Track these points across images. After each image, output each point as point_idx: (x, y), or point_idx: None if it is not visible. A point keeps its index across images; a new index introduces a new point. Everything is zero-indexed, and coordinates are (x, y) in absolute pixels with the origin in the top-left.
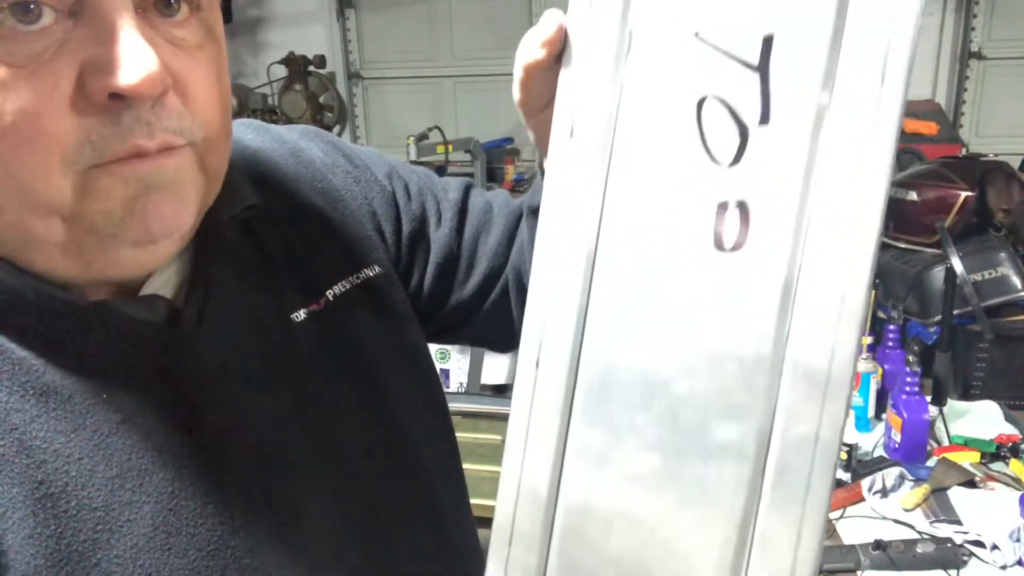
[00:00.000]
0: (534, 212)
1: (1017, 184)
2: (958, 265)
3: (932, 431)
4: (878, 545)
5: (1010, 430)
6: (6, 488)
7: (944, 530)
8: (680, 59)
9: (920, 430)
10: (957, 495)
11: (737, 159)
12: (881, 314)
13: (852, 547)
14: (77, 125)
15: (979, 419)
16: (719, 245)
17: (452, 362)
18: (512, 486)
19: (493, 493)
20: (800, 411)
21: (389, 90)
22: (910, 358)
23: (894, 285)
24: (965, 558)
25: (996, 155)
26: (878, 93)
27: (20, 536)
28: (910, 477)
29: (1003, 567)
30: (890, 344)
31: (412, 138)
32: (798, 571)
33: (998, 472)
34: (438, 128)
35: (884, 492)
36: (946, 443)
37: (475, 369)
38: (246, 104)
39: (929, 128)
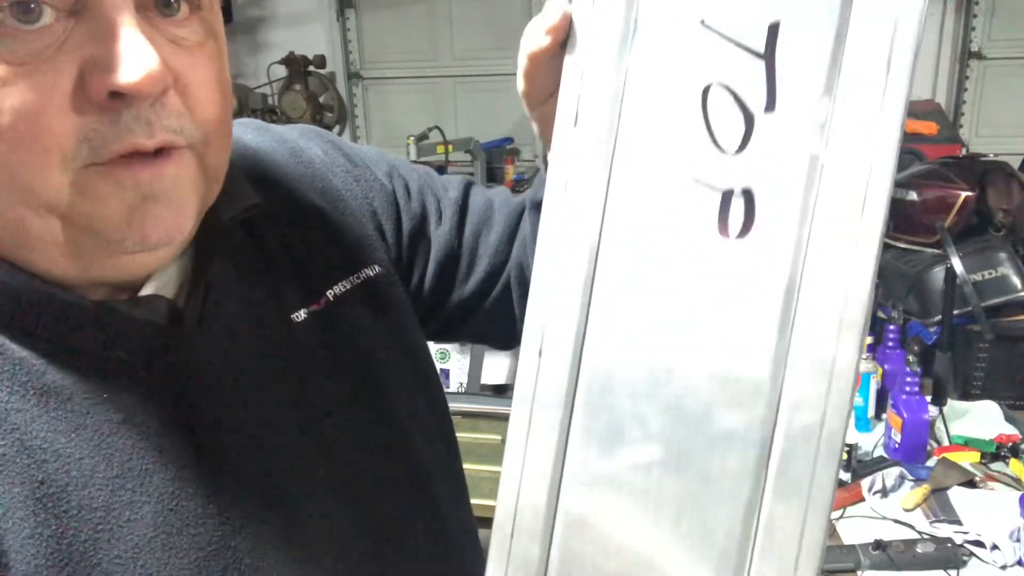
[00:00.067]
0: (537, 207)
1: (1017, 184)
2: (958, 265)
3: (932, 431)
4: (878, 545)
5: (1010, 430)
6: (7, 488)
7: (944, 530)
8: (685, 46)
9: (920, 430)
10: (957, 495)
11: (742, 147)
12: (881, 314)
13: (852, 547)
14: (76, 124)
15: (979, 419)
16: (724, 233)
17: (452, 362)
18: (514, 478)
19: (493, 493)
20: (805, 399)
21: (389, 90)
22: (910, 358)
23: (894, 285)
24: (965, 558)
25: (996, 155)
26: (884, 79)
27: (21, 536)
28: (910, 477)
29: (1003, 567)
30: (890, 344)
31: (412, 138)
32: (803, 560)
33: (998, 472)
34: (438, 128)
35: (884, 492)
36: (946, 443)
37: (475, 369)
38: (246, 104)
39: (929, 128)
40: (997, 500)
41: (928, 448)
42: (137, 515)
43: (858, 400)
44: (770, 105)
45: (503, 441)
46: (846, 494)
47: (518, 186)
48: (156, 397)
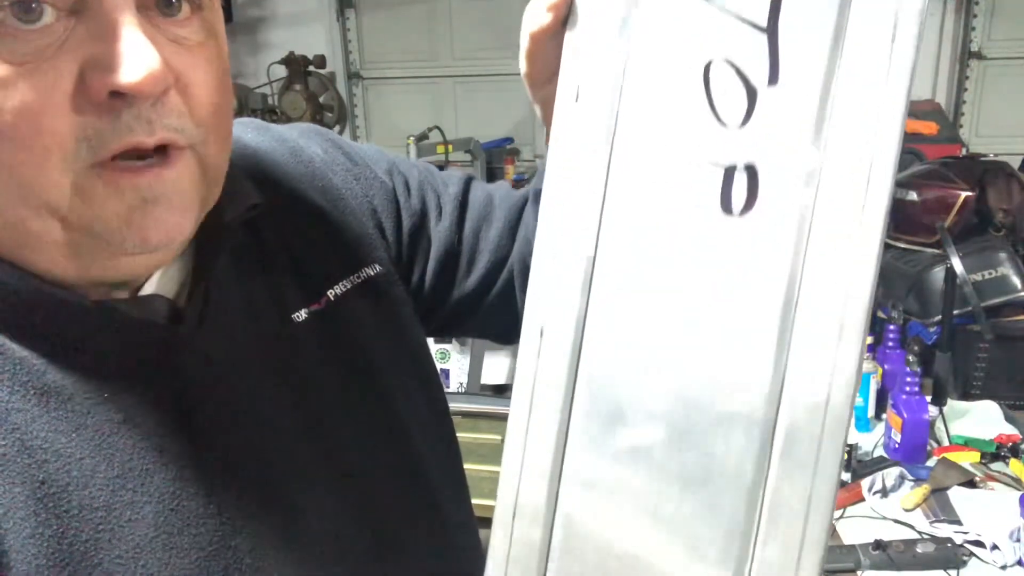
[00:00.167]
0: (538, 197)
1: (1017, 184)
2: (958, 265)
3: (932, 431)
4: (878, 545)
5: (1010, 430)
6: (7, 488)
7: (944, 530)
8: (687, 21)
9: (920, 430)
10: (957, 495)
11: (745, 121)
12: (881, 314)
13: (852, 547)
14: (76, 123)
15: (979, 419)
16: (727, 209)
17: (452, 362)
18: (515, 464)
19: (493, 493)
20: (810, 376)
21: (389, 90)
22: (910, 358)
23: (894, 285)
24: (965, 558)
25: (996, 155)
26: (889, 50)
27: (22, 536)
28: (910, 477)
29: (1003, 567)
30: (890, 344)
31: (412, 138)
32: (808, 541)
33: (998, 472)
34: (438, 128)
35: (884, 492)
36: (946, 443)
37: (475, 369)
38: (246, 104)
39: (929, 128)
40: (997, 500)
41: (928, 448)
42: (138, 515)
43: (858, 400)
44: (773, 78)
45: (503, 441)
46: (846, 494)
47: (518, 186)
48: (157, 397)
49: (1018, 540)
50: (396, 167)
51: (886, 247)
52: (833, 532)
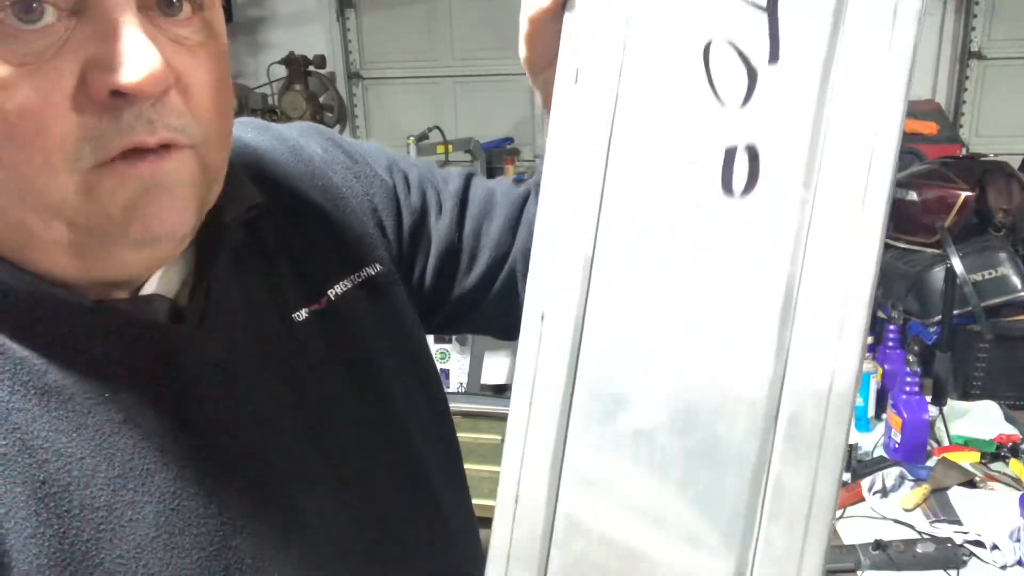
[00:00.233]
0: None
1: (1017, 184)
2: (958, 265)
3: (932, 431)
4: (878, 545)
5: (1010, 430)
6: (8, 488)
7: (944, 530)
8: (686, 1)
9: (920, 430)
10: (957, 495)
11: (746, 101)
12: (881, 314)
13: (852, 547)
14: (78, 123)
15: (979, 419)
16: (728, 190)
17: (452, 362)
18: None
19: (493, 493)
20: (813, 359)
21: (389, 90)
22: (910, 358)
23: (894, 285)
24: (965, 558)
25: (996, 155)
26: (890, 26)
27: (23, 536)
28: (910, 477)
29: (1003, 567)
30: (890, 344)
31: (412, 138)
32: (813, 522)
33: (998, 472)
34: (438, 128)
35: (884, 492)
36: (946, 443)
37: (475, 369)
38: (246, 104)
39: (929, 128)
40: (997, 500)
41: (928, 448)
42: (139, 515)
43: (858, 400)
44: (774, 57)
45: (503, 441)
46: (846, 494)
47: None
48: (157, 397)
49: (1018, 540)
50: (396, 164)
51: (886, 247)
52: (833, 532)
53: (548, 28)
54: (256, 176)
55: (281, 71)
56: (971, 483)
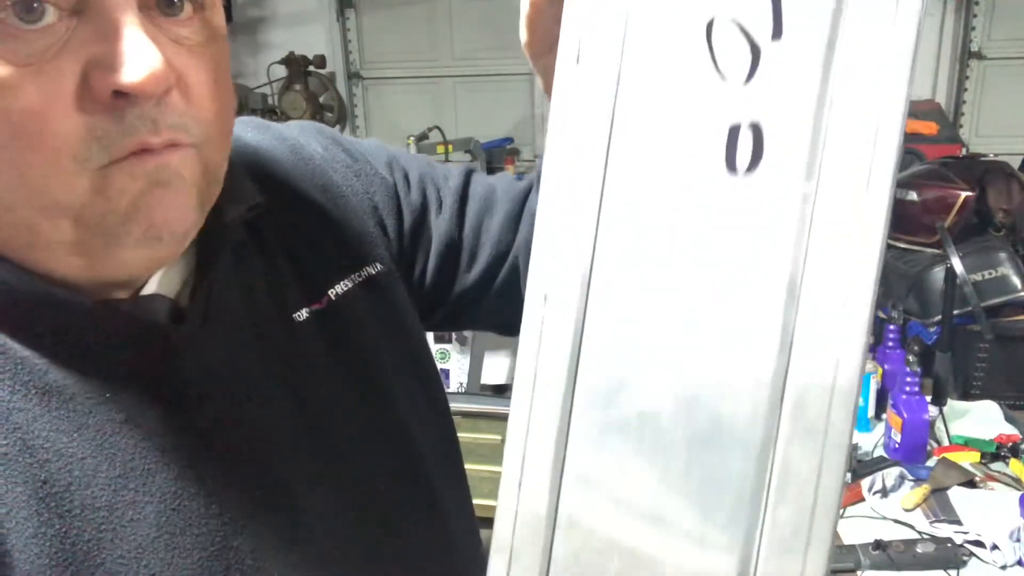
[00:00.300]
0: None
1: (1017, 184)
2: (958, 265)
3: (932, 431)
4: (878, 545)
5: (1010, 430)
6: (10, 488)
7: (944, 530)
8: None
9: (920, 430)
10: (957, 495)
11: (749, 77)
12: (881, 314)
13: (852, 547)
14: (83, 123)
15: (979, 419)
16: (732, 168)
17: (452, 362)
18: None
19: (493, 493)
20: (818, 340)
21: (389, 90)
22: (910, 358)
23: (894, 285)
24: (965, 558)
25: (996, 155)
26: (895, 2)
27: (24, 536)
28: (910, 477)
29: (1003, 567)
30: (890, 344)
31: (412, 138)
32: (820, 504)
33: (998, 472)
34: (438, 128)
35: (884, 492)
36: (946, 443)
37: (475, 369)
38: (246, 104)
39: (929, 128)
40: (997, 500)
41: (928, 448)
42: (140, 515)
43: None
44: (777, 32)
45: (503, 441)
46: (846, 494)
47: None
48: (158, 397)
49: (1018, 540)
50: (396, 161)
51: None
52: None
53: (548, 11)
54: (257, 175)
55: (281, 71)
56: (971, 483)
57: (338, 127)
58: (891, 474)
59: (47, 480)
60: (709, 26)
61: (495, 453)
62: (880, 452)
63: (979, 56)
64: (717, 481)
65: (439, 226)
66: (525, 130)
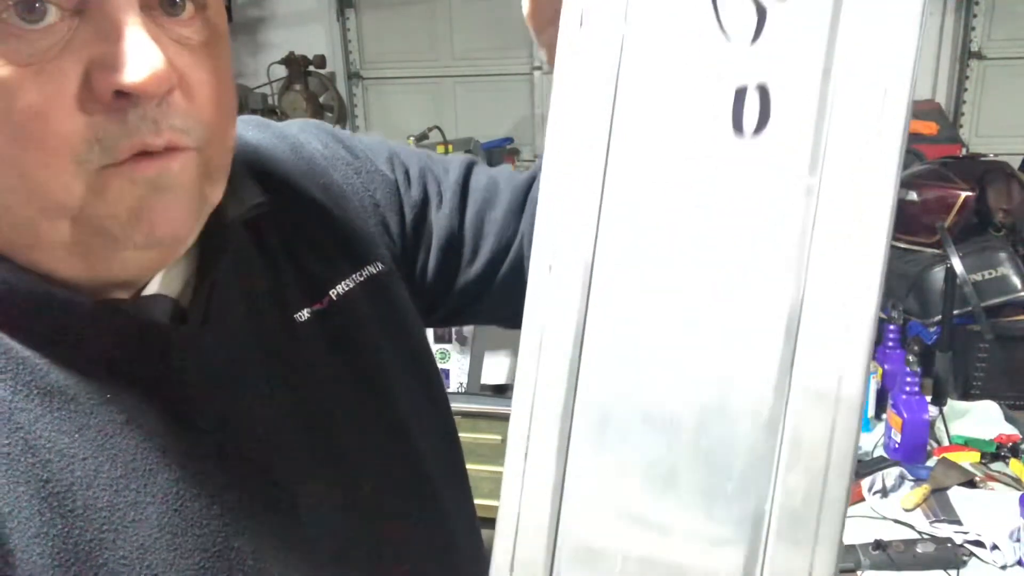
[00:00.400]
0: None
1: (1017, 184)
2: (958, 265)
3: (932, 431)
4: (878, 545)
5: (1010, 430)
6: (12, 487)
7: (944, 530)
8: None
9: (920, 430)
10: (957, 495)
11: (755, 38)
12: (881, 314)
13: (852, 547)
14: (84, 124)
15: (979, 419)
16: (739, 130)
17: (452, 362)
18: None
19: (494, 493)
20: (829, 289)
21: (389, 90)
22: (910, 358)
23: (894, 285)
24: (965, 558)
25: (996, 155)
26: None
27: (26, 535)
28: (910, 477)
29: (1003, 567)
30: (890, 344)
31: (412, 138)
32: (832, 468)
33: (998, 472)
34: (438, 128)
35: (884, 492)
36: (946, 443)
37: (475, 369)
38: (246, 104)
39: (929, 128)
40: (997, 500)
41: (928, 448)
42: (142, 516)
43: None
44: None
45: (503, 441)
46: None
47: None
48: (159, 397)
49: (1018, 540)
50: (397, 156)
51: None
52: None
53: None
54: (257, 174)
55: (281, 71)
56: (971, 483)
57: (338, 127)
58: (891, 474)
59: (49, 480)
60: None
61: (495, 453)
62: (880, 452)
63: (979, 56)
64: (726, 447)
65: (439, 221)
66: (525, 130)
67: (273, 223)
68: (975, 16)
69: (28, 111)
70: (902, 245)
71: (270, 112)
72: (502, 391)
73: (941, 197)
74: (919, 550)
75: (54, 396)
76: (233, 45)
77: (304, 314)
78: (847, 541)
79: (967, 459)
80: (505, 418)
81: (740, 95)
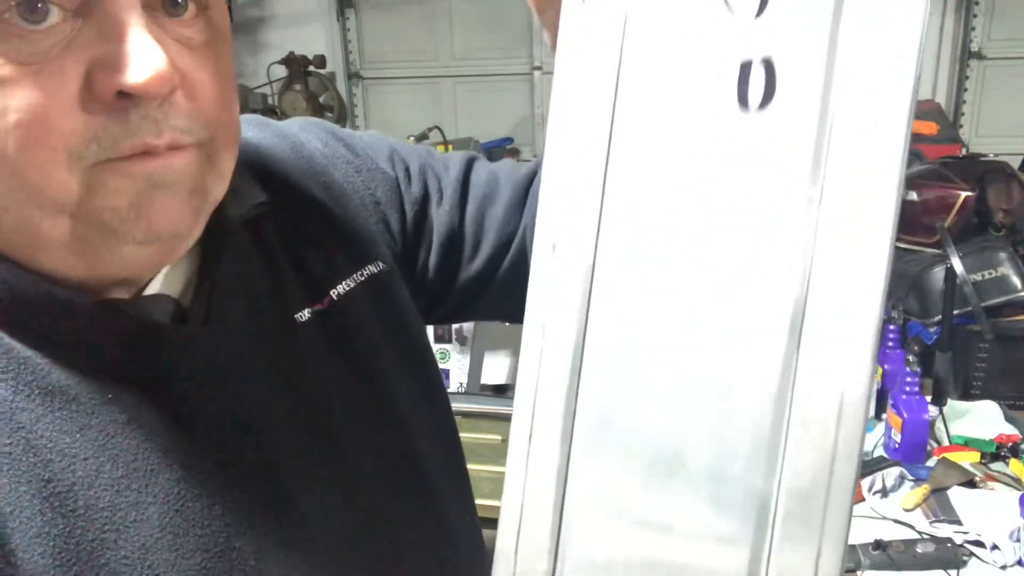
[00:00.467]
0: None
1: (1017, 184)
2: (958, 265)
3: (932, 431)
4: (878, 545)
5: (1010, 430)
6: (14, 487)
7: (944, 530)
8: None
9: (920, 430)
10: (957, 495)
11: (760, 11)
12: None
13: (852, 547)
14: (85, 123)
15: (979, 419)
16: (744, 105)
17: (452, 362)
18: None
19: (494, 493)
20: (833, 288)
21: (389, 90)
22: (910, 358)
23: (894, 285)
24: (965, 558)
25: (996, 155)
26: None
27: (28, 535)
28: (910, 477)
29: (1003, 567)
30: (890, 344)
31: (412, 138)
32: (840, 447)
33: (998, 472)
34: (438, 128)
35: (884, 492)
36: (946, 443)
37: (475, 369)
38: (246, 104)
39: (929, 128)
40: (997, 500)
41: (928, 448)
42: (143, 516)
43: None
44: None
45: (503, 441)
46: None
47: None
48: (160, 397)
49: (1018, 540)
50: (397, 153)
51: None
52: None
53: None
54: (258, 174)
55: (281, 71)
56: (971, 483)
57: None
58: (891, 474)
59: (51, 480)
60: None
61: (495, 453)
62: (880, 452)
63: (979, 56)
64: (734, 428)
65: (440, 217)
66: (525, 130)
67: (273, 222)
68: (975, 16)
69: (27, 109)
70: (902, 245)
71: (270, 112)
72: (502, 391)
73: (941, 197)
74: (919, 550)
75: (55, 396)
76: (233, 45)
77: (305, 314)
78: None
79: (967, 459)
80: (505, 418)
81: (745, 69)
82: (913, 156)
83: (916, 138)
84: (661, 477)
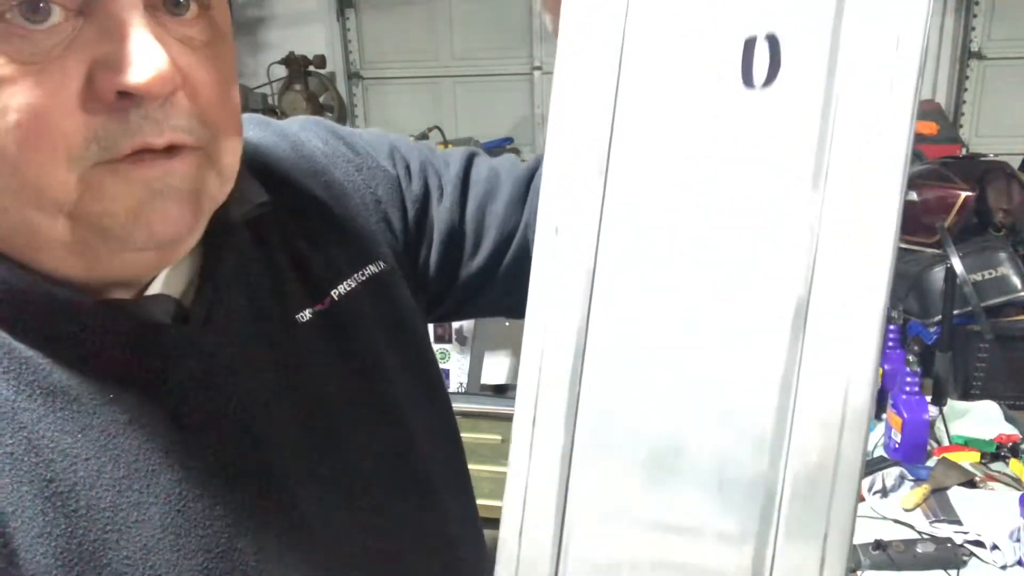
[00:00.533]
0: None
1: (1017, 184)
2: (958, 265)
3: (932, 431)
4: (878, 545)
5: (1010, 430)
6: (16, 487)
7: (944, 530)
8: None
9: (920, 430)
10: (957, 495)
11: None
12: None
13: (852, 547)
14: (85, 123)
15: (979, 419)
16: (748, 82)
17: (452, 362)
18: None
19: (494, 493)
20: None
21: (389, 90)
22: (910, 358)
23: (894, 285)
24: (965, 558)
25: (996, 155)
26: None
27: (30, 535)
28: (910, 477)
29: (1003, 567)
30: (890, 344)
31: (412, 138)
32: (844, 448)
33: (998, 472)
34: (438, 128)
35: (884, 492)
36: (946, 443)
37: (475, 369)
38: (246, 104)
39: (929, 128)
40: (997, 500)
41: (928, 448)
42: (145, 516)
43: None
44: None
45: (503, 441)
46: None
47: None
48: (162, 397)
49: (1018, 540)
50: (398, 151)
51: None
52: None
53: None
54: (259, 174)
55: (281, 71)
56: (971, 483)
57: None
58: (891, 474)
59: (52, 480)
60: None
61: (495, 453)
62: (880, 452)
63: (979, 56)
64: (736, 409)
65: (441, 214)
66: (525, 130)
67: (274, 222)
68: (975, 16)
69: (27, 108)
70: (902, 245)
71: (270, 112)
72: (502, 391)
73: (941, 197)
74: (919, 550)
75: (57, 396)
76: (234, 45)
77: (306, 314)
78: None
79: (967, 459)
80: (505, 418)
81: (749, 46)
82: (913, 156)
83: (916, 138)
84: (664, 476)
